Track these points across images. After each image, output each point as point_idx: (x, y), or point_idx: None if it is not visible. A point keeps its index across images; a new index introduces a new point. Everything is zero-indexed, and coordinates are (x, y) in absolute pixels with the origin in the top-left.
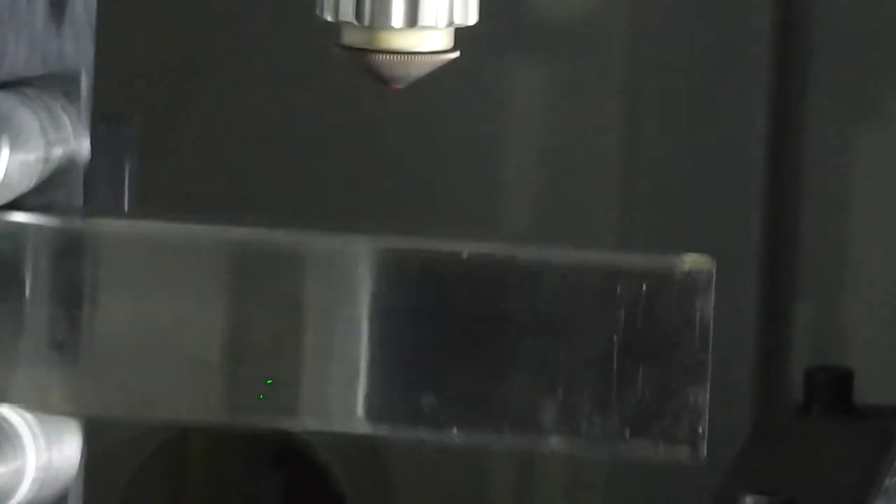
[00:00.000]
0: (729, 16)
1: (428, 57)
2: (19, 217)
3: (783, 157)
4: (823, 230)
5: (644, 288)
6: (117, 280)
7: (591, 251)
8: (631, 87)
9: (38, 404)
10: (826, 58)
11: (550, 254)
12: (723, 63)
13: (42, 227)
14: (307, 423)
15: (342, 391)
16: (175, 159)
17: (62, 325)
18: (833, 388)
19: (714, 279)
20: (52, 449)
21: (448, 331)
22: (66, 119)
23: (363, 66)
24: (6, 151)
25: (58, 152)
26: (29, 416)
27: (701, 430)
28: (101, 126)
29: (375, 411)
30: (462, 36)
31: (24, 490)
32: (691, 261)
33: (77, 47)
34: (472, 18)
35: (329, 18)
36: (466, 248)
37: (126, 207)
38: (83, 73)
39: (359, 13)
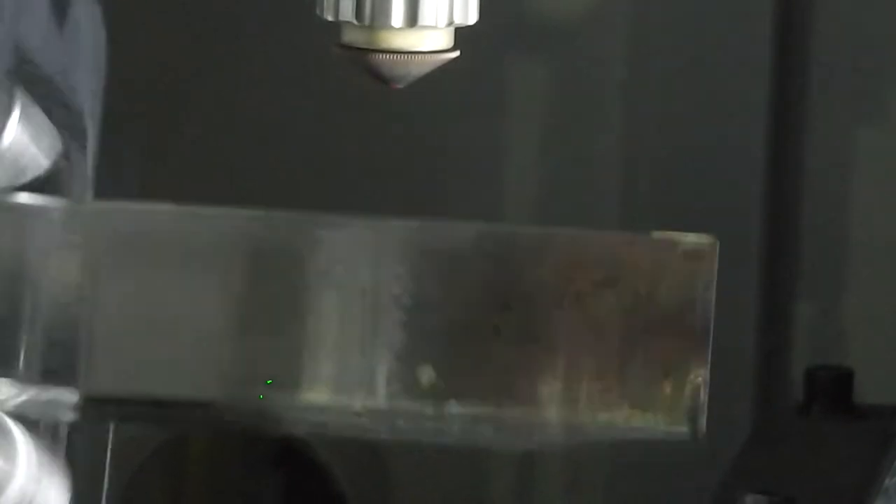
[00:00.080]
0: (729, 16)
1: (428, 56)
2: (26, 199)
3: (783, 157)
4: (823, 230)
5: (647, 264)
6: (127, 262)
7: (595, 231)
8: (631, 87)
9: (43, 383)
10: (826, 58)
11: (554, 232)
12: (723, 63)
13: (48, 210)
14: (313, 398)
15: (349, 367)
16: (175, 159)
17: (69, 305)
18: (833, 387)
19: (717, 257)
20: (41, 476)
21: (451, 307)
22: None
23: (363, 66)
24: (17, 112)
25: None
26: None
27: (701, 407)
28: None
29: (381, 386)
30: (462, 36)
31: (10, 493)
32: (694, 239)
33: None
34: (472, 18)
35: (329, 18)
36: (472, 229)
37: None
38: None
39: (359, 13)
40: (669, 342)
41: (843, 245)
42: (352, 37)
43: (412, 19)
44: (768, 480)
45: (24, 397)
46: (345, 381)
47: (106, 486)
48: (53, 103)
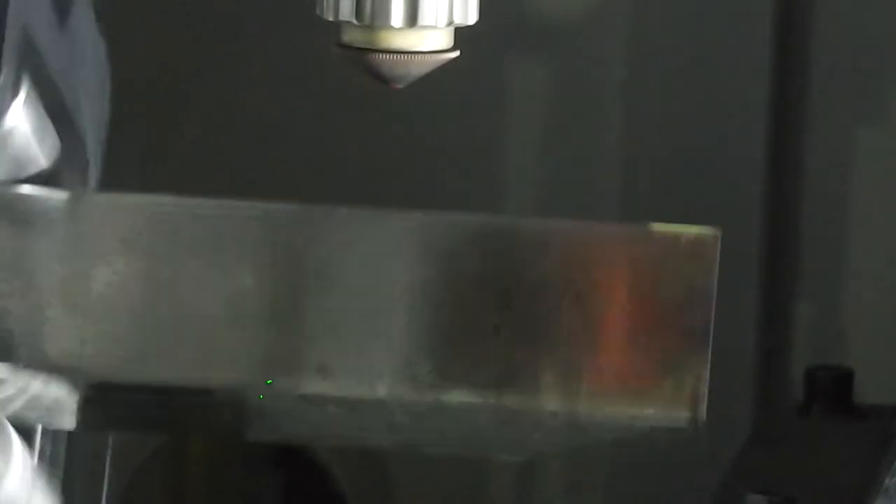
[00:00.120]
0: (729, 16)
1: (428, 56)
2: (31, 190)
3: (783, 157)
4: (823, 230)
5: (650, 254)
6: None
7: (598, 222)
8: (631, 87)
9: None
10: (826, 58)
11: (556, 224)
12: (723, 63)
13: (54, 199)
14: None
15: (357, 353)
16: (175, 159)
17: (77, 287)
18: (833, 387)
19: (718, 248)
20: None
21: (454, 296)
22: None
23: (363, 66)
24: (22, 96)
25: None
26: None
27: (701, 395)
28: None
29: (388, 373)
30: (462, 36)
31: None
32: (697, 230)
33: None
34: (472, 18)
35: (329, 18)
36: (477, 220)
37: None
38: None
39: (359, 13)
40: (672, 328)
41: (843, 245)
42: (352, 37)
43: (412, 19)
44: (768, 480)
45: (27, 390)
46: (345, 372)
47: (106, 486)
48: (56, 98)
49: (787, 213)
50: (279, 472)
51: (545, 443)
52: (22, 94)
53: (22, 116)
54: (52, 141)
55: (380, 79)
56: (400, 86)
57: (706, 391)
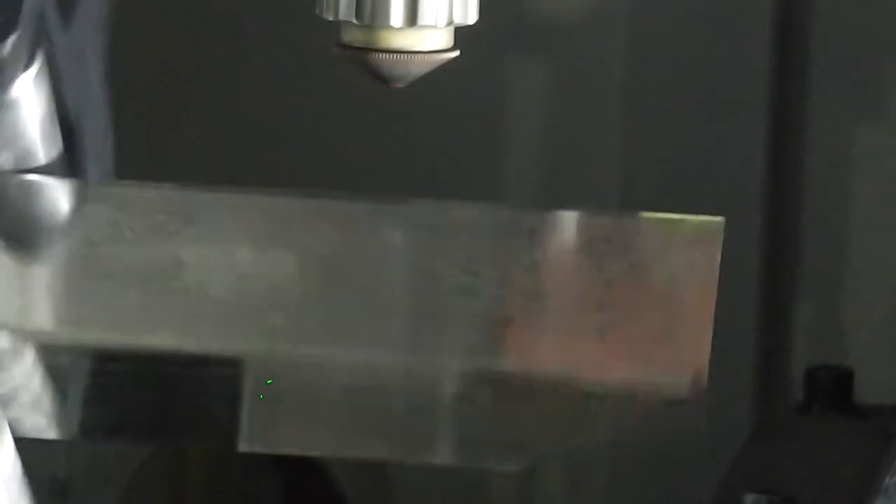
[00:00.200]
0: (729, 16)
1: (428, 56)
2: (39, 178)
3: (783, 157)
4: (823, 230)
5: (657, 236)
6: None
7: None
8: (631, 87)
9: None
10: (826, 58)
11: (563, 213)
12: (723, 63)
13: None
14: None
15: (371, 327)
16: (175, 158)
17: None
18: (833, 387)
19: (722, 232)
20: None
21: (465, 274)
22: None
23: (363, 66)
24: (34, 70)
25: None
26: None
27: (703, 366)
28: None
29: (400, 344)
30: (462, 36)
31: None
32: (703, 218)
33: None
34: (471, 18)
35: (329, 18)
36: (491, 209)
37: None
38: None
39: (359, 12)
40: (673, 304)
41: (843, 245)
42: (351, 36)
43: (412, 19)
44: (768, 480)
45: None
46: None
47: (106, 486)
48: (64, 90)
49: (787, 212)
50: (279, 472)
51: (548, 420)
52: (34, 69)
53: (32, 93)
54: (58, 130)
55: (380, 78)
56: (400, 85)
57: (707, 361)
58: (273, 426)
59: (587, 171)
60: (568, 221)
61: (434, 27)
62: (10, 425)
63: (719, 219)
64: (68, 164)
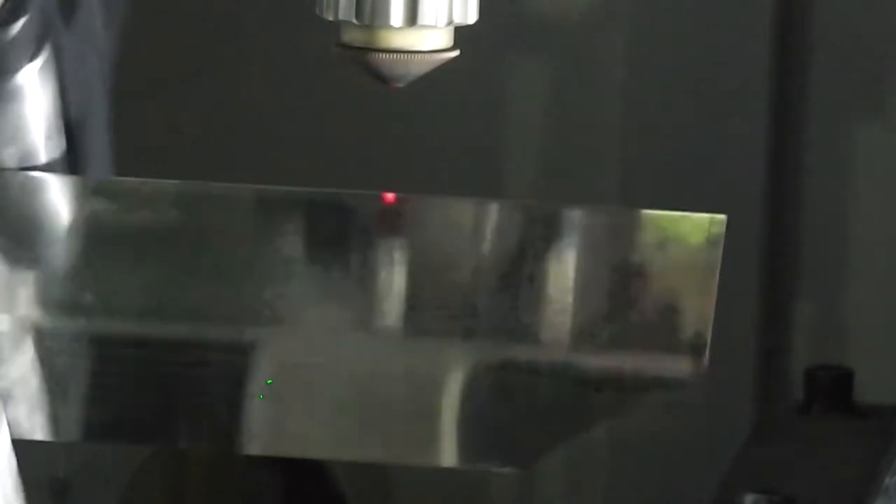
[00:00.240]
0: (729, 16)
1: (427, 56)
2: (42, 175)
3: (783, 157)
4: (823, 230)
5: (662, 230)
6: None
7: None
8: (631, 87)
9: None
10: (826, 58)
11: (568, 207)
12: (723, 63)
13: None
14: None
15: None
16: (175, 158)
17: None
18: (833, 387)
19: (725, 228)
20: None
21: (470, 269)
22: None
23: (363, 65)
24: (46, 55)
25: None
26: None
27: (704, 345)
28: None
29: (407, 326)
30: (462, 36)
31: None
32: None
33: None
34: (471, 17)
35: (329, 17)
36: (499, 204)
37: None
38: None
39: (358, 12)
40: (676, 288)
41: (843, 245)
42: (351, 36)
43: (412, 18)
44: (768, 480)
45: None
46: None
47: (106, 486)
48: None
49: (787, 212)
50: (279, 472)
51: (551, 398)
52: (40, 61)
53: (38, 86)
54: (62, 126)
55: (380, 78)
56: (400, 85)
57: (709, 339)
58: (273, 427)
59: (587, 171)
60: (570, 216)
61: (434, 27)
62: (9, 425)
63: (722, 216)
64: (70, 160)
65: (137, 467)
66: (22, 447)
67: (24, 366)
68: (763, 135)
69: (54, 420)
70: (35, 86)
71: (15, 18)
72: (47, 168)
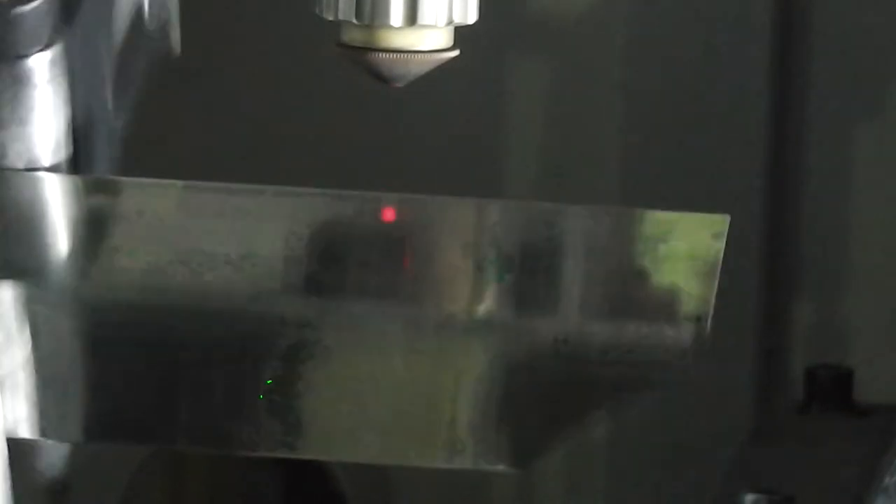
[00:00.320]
0: (729, 16)
1: (427, 55)
2: (43, 175)
3: (783, 157)
4: (823, 230)
5: (664, 225)
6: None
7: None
8: (630, 87)
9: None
10: (826, 58)
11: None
12: (723, 63)
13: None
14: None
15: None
16: (175, 157)
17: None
18: (833, 386)
19: (727, 227)
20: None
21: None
22: None
23: (363, 65)
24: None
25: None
26: None
27: (706, 315)
28: None
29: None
30: (462, 35)
31: None
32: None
33: None
34: (471, 17)
35: (329, 17)
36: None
37: None
38: None
39: (358, 12)
40: (679, 271)
41: (843, 245)
42: (351, 36)
43: (412, 18)
44: (768, 479)
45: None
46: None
47: (106, 486)
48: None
49: (787, 212)
50: (279, 472)
51: (551, 373)
52: (51, 53)
53: (46, 75)
54: (69, 124)
55: (380, 78)
56: (400, 85)
57: (711, 312)
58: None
59: (587, 171)
60: (572, 214)
61: (434, 27)
62: (9, 424)
63: (724, 216)
64: (73, 159)
65: (137, 467)
66: (22, 446)
67: (19, 360)
68: (763, 135)
69: (51, 418)
70: (44, 75)
71: None
72: (53, 167)
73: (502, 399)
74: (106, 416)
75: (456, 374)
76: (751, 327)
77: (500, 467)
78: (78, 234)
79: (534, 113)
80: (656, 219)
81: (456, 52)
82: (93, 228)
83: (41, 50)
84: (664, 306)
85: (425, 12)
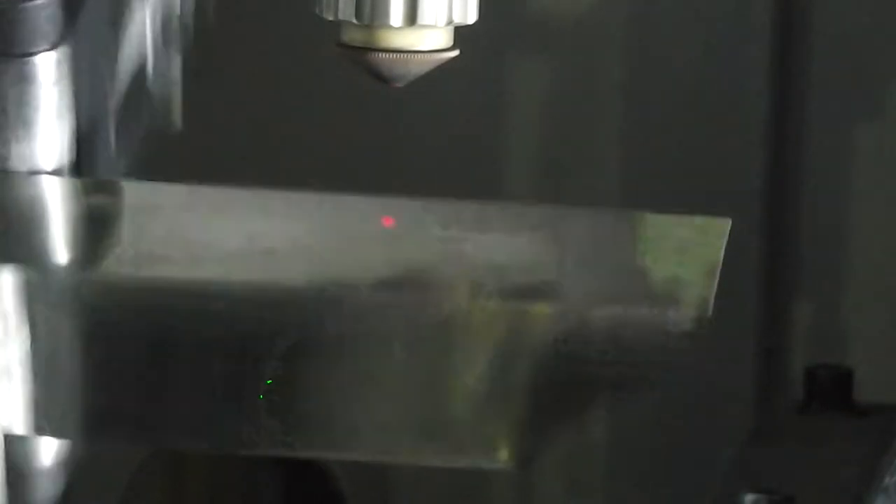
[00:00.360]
0: (729, 16)
1: (427, 55)
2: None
3: (783, 156)
4: (823, 230)
5: (665, 227)
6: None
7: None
8: (630, 87)
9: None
10: (826, 58)
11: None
12: (723, 63)
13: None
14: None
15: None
16: (174, 158)
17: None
18: (833, 386)
19: (728, 231)
20: None
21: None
22: None
23: (363, 65)
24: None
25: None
26: None
27: (709, 295)
28: None
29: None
30: (462, 35)
31: None
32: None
33: None
34: (471, 17)
35: (329, 17)
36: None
37: None
38: None
39: (358, 12)
40: (681, 261)
41: (843, 245)
42: (351, 36)
43: (411, 18)
44: (768, 479)
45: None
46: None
47: (106, 486)
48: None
49: (787, 212)
50: (279, 472)
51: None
52: (57, 53)
53: (52, 74)
54: (73, 130)
55: (380, 78)
56: (400, 85)
57: (710, 310)
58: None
59: (587, 171)
60: (571, 217)
61: (434, 27)
62: (4, 421)
63: (726, 220)
64: (76, 165)
65: (137, 467)
66: (21, 446)
67: (17, 356)
68: (763, 135)
69: (48, 416)
70: (51, 76)
71: None
72: (55, 171)
73: (502, 397)
74: (103, 415)
75: (455, 373)
76: (751, 327)
77: (500, 466)
78: (77, 233)
79: (534, 113)
80: (657, 221)
81: (456, 52)
82: (92, 227)
83: (47, 49)
84: (664, 306)
85: (425, 12)
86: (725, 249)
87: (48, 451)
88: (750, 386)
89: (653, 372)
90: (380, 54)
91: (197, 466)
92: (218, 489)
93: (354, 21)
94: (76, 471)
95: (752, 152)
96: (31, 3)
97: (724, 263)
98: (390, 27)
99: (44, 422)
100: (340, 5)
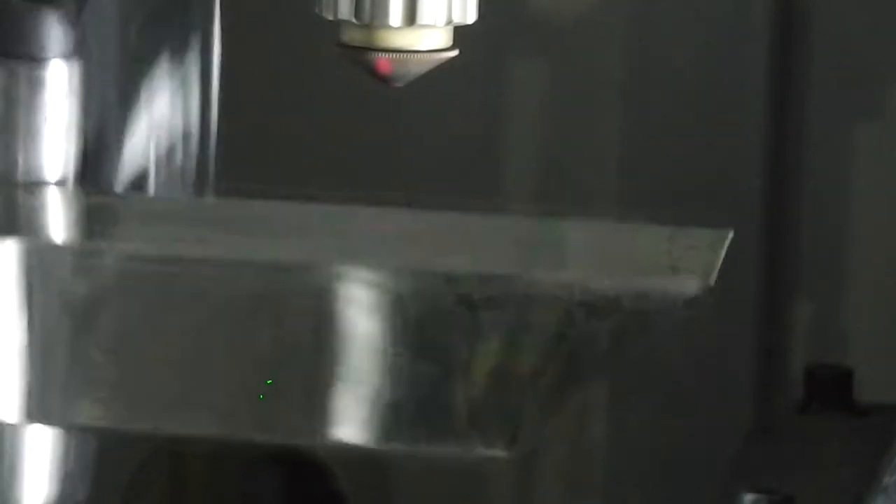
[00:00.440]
0: (729, 16)
1: (426, 55)
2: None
3: (783, 157)
4: (823, 230)
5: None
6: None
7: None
8: (630, 87)
9: None
10: (826, 58)
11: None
12: (723, 63)
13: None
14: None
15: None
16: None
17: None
18: (833, 386)
19: (728, 241)
20: None
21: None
22: None
23: (362, 65)
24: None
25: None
26: None
27: (714, 264)
28: None
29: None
30: (462, 35)
31: None
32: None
33: None
34: (470, 17)
35: (328, 17)
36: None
37: None
38: None
39: (358, 12)
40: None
41: (843, 245)
42: (351, 35)
43: (411, 18)
44: (768, 479)
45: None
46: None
47: (106, 486)
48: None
49: (786, 212)
50: (279, 472)
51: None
52: (68, 63)
53: (64, 81)
54: (80, 142)
55: (379, 78)
56: (399, 85)
57: (719, 263)
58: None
59: (587, 171)
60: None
61: (433, 26)
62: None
63: (727, 231)
64: (81, 170)
65: (137, 467)
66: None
67: (14, 347)
68: (763, 135)
69: (41, 406)
70: (62, 86)
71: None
72: (59, 181)
73: (501, 380)
74: (96, 405)
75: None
76: (751, 327)
77: (499, 448)
78: (77, 232)
79: (534, 113)
80: (655, 232)
81: (455, 52)
82: (91, 227)
83: (58, 57)
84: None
85: (424, 12)
86: (726, 249)
87: (48, 451)
88: (750, 386)
89: (654, 328)
90: (379, 54)
91: (197, 466)
92: (218, 489)
93: (354, 21)
94: (76, 471)
95: (752, 152)
96: (46, 9)
97: (724, 263)
98: (390, 27)
99: (36, 410)
100: (340, 5)
